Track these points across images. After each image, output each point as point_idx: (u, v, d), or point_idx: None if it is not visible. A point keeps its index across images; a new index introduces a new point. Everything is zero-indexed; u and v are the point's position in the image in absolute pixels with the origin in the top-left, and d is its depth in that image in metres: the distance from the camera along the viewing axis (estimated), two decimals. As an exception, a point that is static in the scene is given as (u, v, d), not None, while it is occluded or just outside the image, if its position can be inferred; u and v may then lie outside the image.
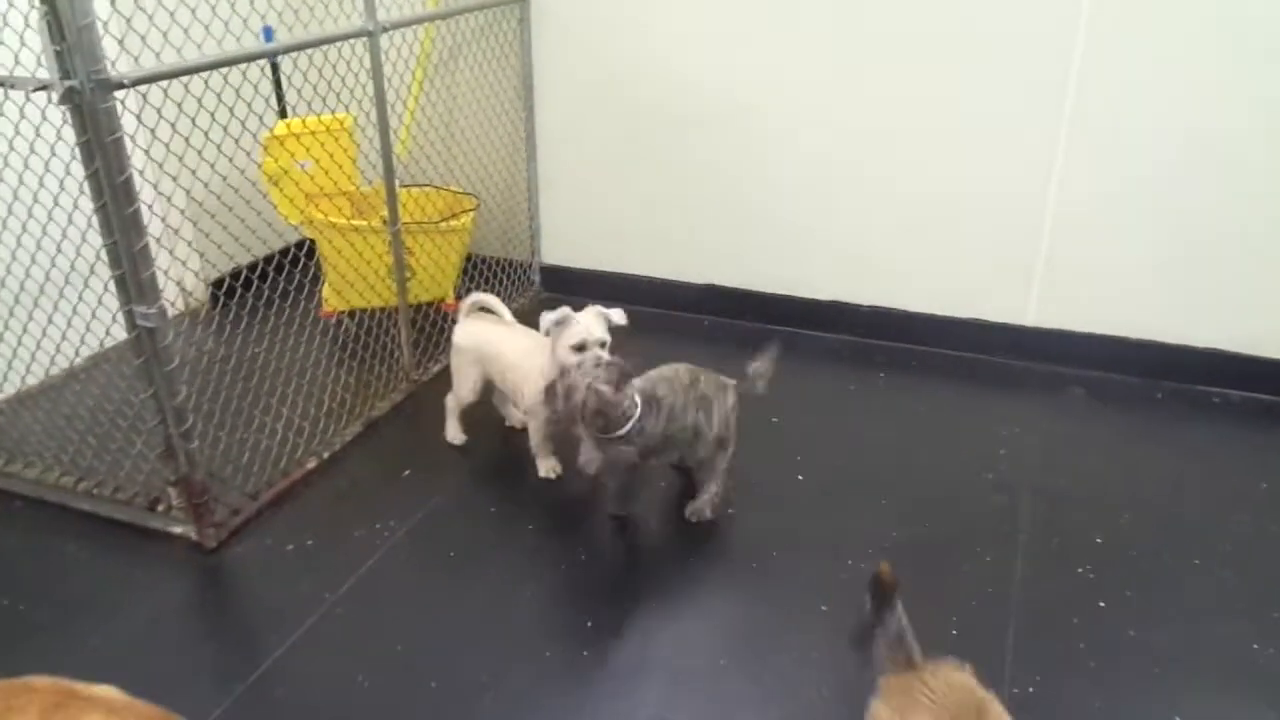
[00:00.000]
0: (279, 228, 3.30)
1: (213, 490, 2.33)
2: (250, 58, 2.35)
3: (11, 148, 2.32)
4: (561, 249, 3.66)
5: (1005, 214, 3.01)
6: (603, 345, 2.32)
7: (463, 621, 2.09)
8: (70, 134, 1.92)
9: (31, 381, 2.79)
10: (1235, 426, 2.82)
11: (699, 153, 3.29)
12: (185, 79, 2.14)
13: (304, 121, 3.09)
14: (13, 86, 1.91)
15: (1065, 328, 3.09)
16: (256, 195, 2.93)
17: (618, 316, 2.38)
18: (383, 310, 3.26)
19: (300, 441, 2.65)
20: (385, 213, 2.87)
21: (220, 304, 3.47)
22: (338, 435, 2.74)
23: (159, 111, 2.27)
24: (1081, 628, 2.04)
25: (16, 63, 2.13)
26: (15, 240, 2.42)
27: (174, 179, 2.43)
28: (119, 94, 1.89)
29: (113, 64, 1.89)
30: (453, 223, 3.31)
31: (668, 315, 3.49)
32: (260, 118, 2.83)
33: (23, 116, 2.26)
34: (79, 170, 1.95)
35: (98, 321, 2.38)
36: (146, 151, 2.30)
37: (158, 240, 2.10)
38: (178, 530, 2.33)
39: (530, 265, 3.69)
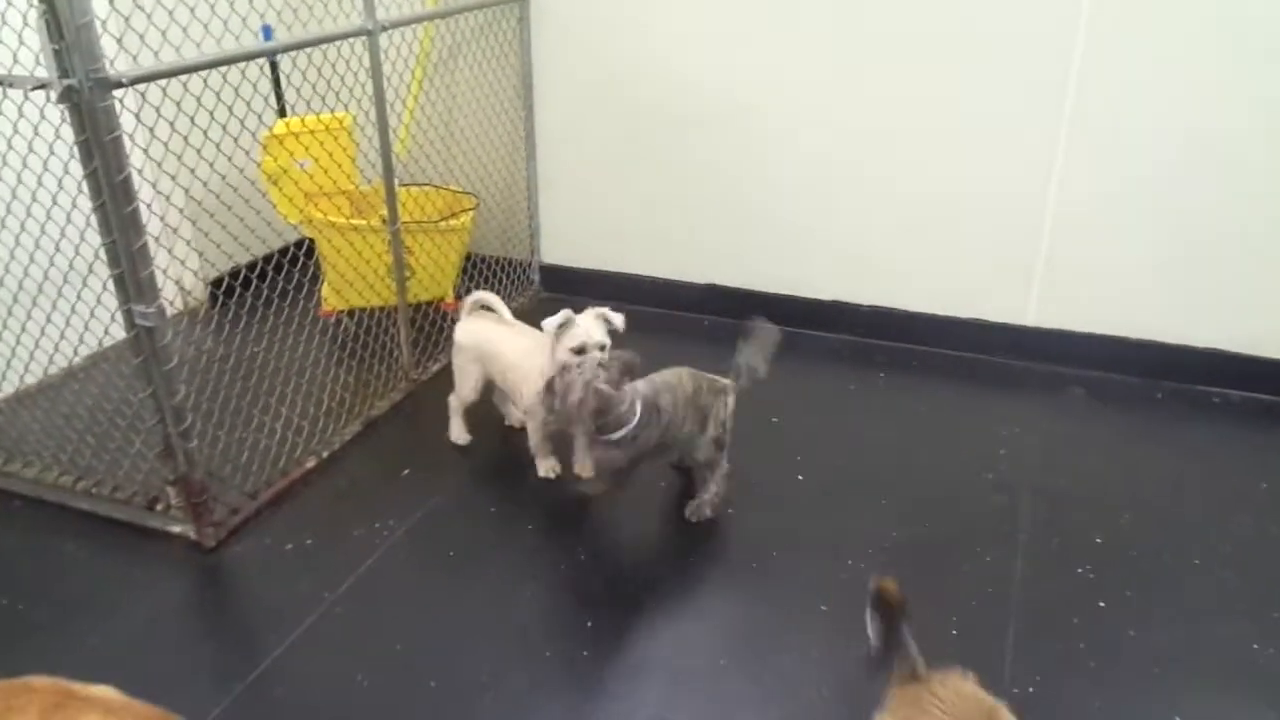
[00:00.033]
0: (278, 227, 3.29)
1: (212, 489, 2.33)
2: (249, 56, 2.35)
3: (10, 146, 2.31)
4: (561, 248, 3.66)
5: (1005, 214, 3.01)
6: (602, 349, 2.32)
7: (462, 621, 2.09)
8: (69, 133, 1.92)
9: (30, 380, 2.78)
10: (1235, 426, 2.82)
11: (699, 153, 3.29)
12: (184, 78, 2.14)
13: (303, 120, 3.09)
14: (11, 85, 1.91)
15: (1065, 328, 3.09)
16: (256, 194, 2.92)
17: (618, 320, 2.37)
18: (382, 309, 3.26)
19: (299, 441, 2.65)
20: (384, 212, 2.87)
21: (219, 303, 3.47)
22: (337, 434, 2.74)
23: (158, 110, 2.27)
24: (1081, 628, 2.04)
25: (15, 61, 2.13)
26: (14, 239, 2.42)
27: (173, 178, 2.43)
28: (118, 93, 1.89)
29: (111, 63, 1.89)
30: (452, 222, 3.30)
31: (668, 315, 3.49)
32: (259, 117, 2.83)
33: (21, 115, 2.25)
34: (77, 169, 1.95)
35: (96, 321, 2.38)
36: (145, 150, 2.30)
37: (156, 239, 2.10)
38: (176, 529, 2.32)
39: (530, 265, 3.69)
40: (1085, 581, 2.18)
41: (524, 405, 2.51)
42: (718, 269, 3.44)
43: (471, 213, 3.36)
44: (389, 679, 1.93)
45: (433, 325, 3.21)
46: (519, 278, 3.64)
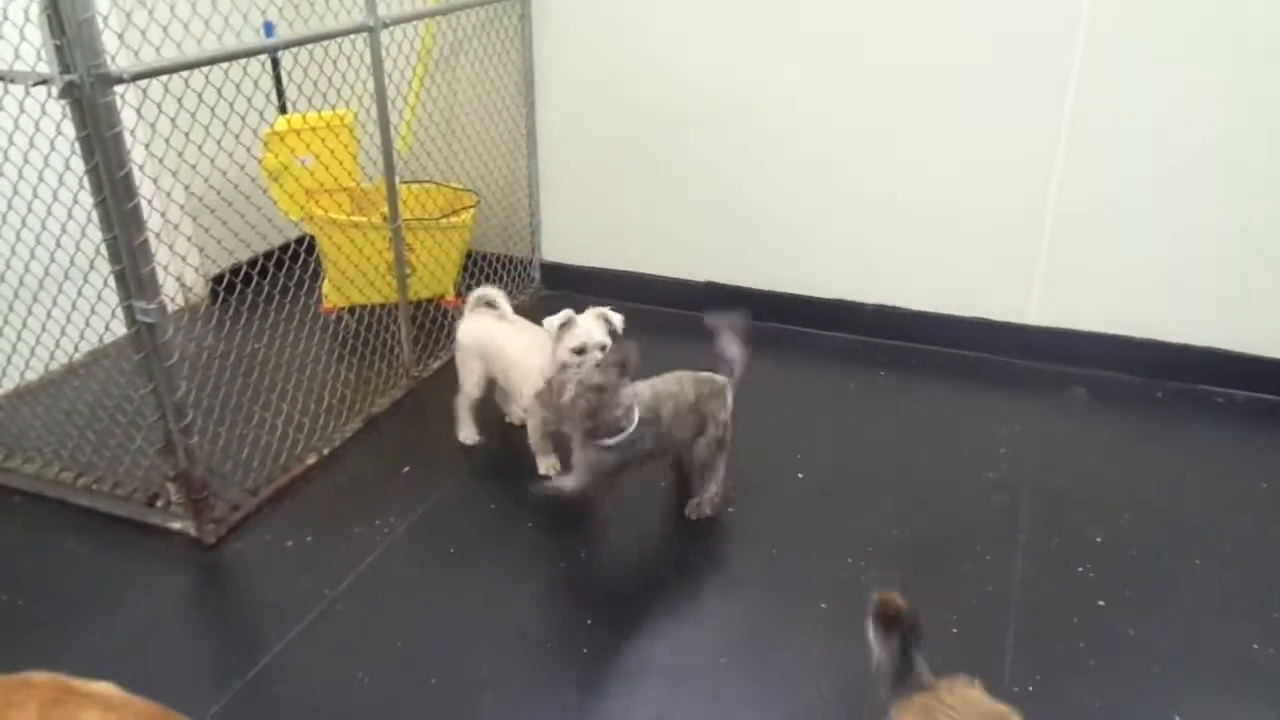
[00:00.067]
0: (279, 223, 3.29)
1: (212, 486, 2.33)
2: (251, 53, 2.35)
3: (11, 142, 2.31)
4: (562, 246, 3.65)
5: (1006, 213, 3.01)
6: (603, 349, 2.32)
7: (463, 618, 2.09)
8: (70, 129, 1.91)
9: (31, 377, 2.78)
10: (1237, 426, 2.82)
11: (699, 152, 3.29)
12: (185, 74, 2.14)
13: (304, 117, 3.08)
14: (12, 81, 1.91)
15: (1066, 327, 3.09)
16: (257, 191, 2.92)
17: (617, 320, 2.37)
18: (383, 307, 3.26)
19: (300, 437, 2.65)
20: (385, 209, 2.86)
21: (220, 300, 3.47)
22: (337, 431, 2.74)
23: (159, 106, 2.27)
24: (1081, 627, 2.04)
25: (16, 57, 2.12)
26: (15, 235, 2.41)
27: (174, 174, 2.43)
28: (119, 89, 1.89)
29: (112, 58, 1.88)
30: (453, 219, 3.30)
31: (668, 313, 3.49)
32: (260, 113, 2.82)
33: (22, 111, 2.25)
34: (79, 165, 1.95)
35: (97, 317, 2.37)
36: (146, 146, 2.31)
37: (157, 235, 2.10)
38: (177, 526, 2.32)
39: (530, 262, 3.69)
40: (1085, 581, 2.18)
41: (524, 404, 2.51)
42: (718, 268, 3.44)
43: (472, 210, 3.36)
44: (389, 676, 1.93)
45: (433, 322, 3.21)
46: (519, 275, 3.64)
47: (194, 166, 2.46)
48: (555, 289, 3.68)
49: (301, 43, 2.49)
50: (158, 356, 2.11)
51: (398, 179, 2.82)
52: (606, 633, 2.05)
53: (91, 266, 2.30)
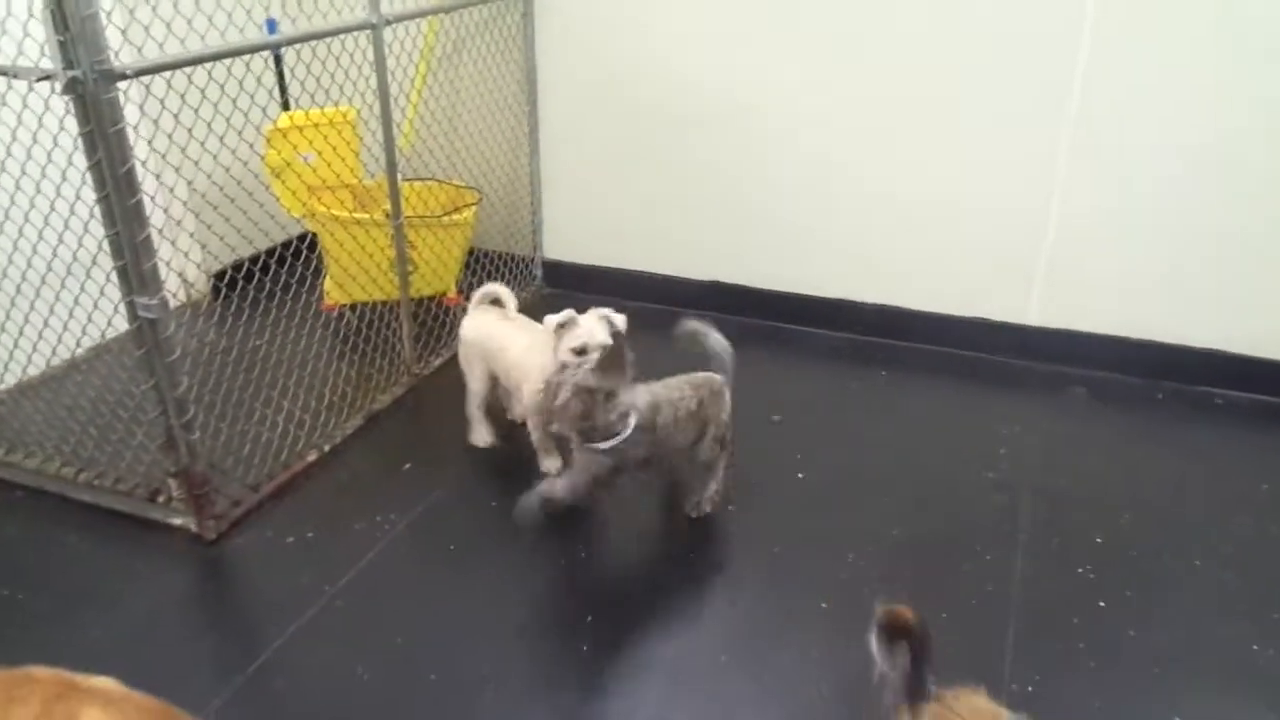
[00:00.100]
0: (281, 220, 3.28)
1: (213, 482, 2.33)
2: (253, 49, 2.35)
3: (14, 138, 2.31)
4: (563, 244, 3.66)
5: (1007, 214, 3.01)
6: (603, 351, 2.30)
7: (463, 615, 2.10)
8: (73, 124, 1.91)
9: (33, 372, 2.79)
10: (1237, 427, 2.82)
11: (699, 152, 3.29)
12: (188, 70, 2.14)
13: (307, 114, 3.09)
14: (16, 76, 1.91)
15: (1067, 327, 3.09)
16: (259, 187, 2.92)
17: (619, 321, 2.36)
18: (384, 304, 3.26)
19: (301, 434, 2.65)
20: (387, 206, 2.87)
21: (222, 296, 3.47)
22: (338, 428, 2.74)
23: (162, 102, 2.27)
24: (1081, 627, 2.04)
25: (20, 52, 2.13)
26: (18, 230, 2.42)
27: (176, 170, 2.43)
28: (122, 84, 1.89)
29: (116, 54, 1.89)
30: (455, 217, 3.30)
31: (669, 311, 3.48)
32: (263, 110, 2.83)
33: (25, 106, 2.25)
34: (81, 161, 1.95)
35: (99, 312, 2.38)
36: (149, 142, 2.31)
37: (160, 231, 2.11)
38: (178, 522, 2.33)
39: (532, 260, 3.69)
40: (1085, 581, 2.18)
41: (525, 403, 2.51)
42: (718, 267, 3.44)
43: (474, 208, 3.36)
44: (389, 672, 1.93)
45: (435, 320, 3.21)
46: (521, 273, 3.64)
47: (196, 163, 2.47)
48: (557, 287, 3.68)
49: (304, 39, 2.49)
50: (160, 352, 2.12)
51: (400, 176, 2.82)
52: (606, 631, 2.05)
53: (94, 262, 2.30)
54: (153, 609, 2.11)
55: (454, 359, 2.74)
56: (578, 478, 2.16)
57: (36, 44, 1.92)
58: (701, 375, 2.30)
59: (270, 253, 2.91)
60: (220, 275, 3.45)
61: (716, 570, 2.25)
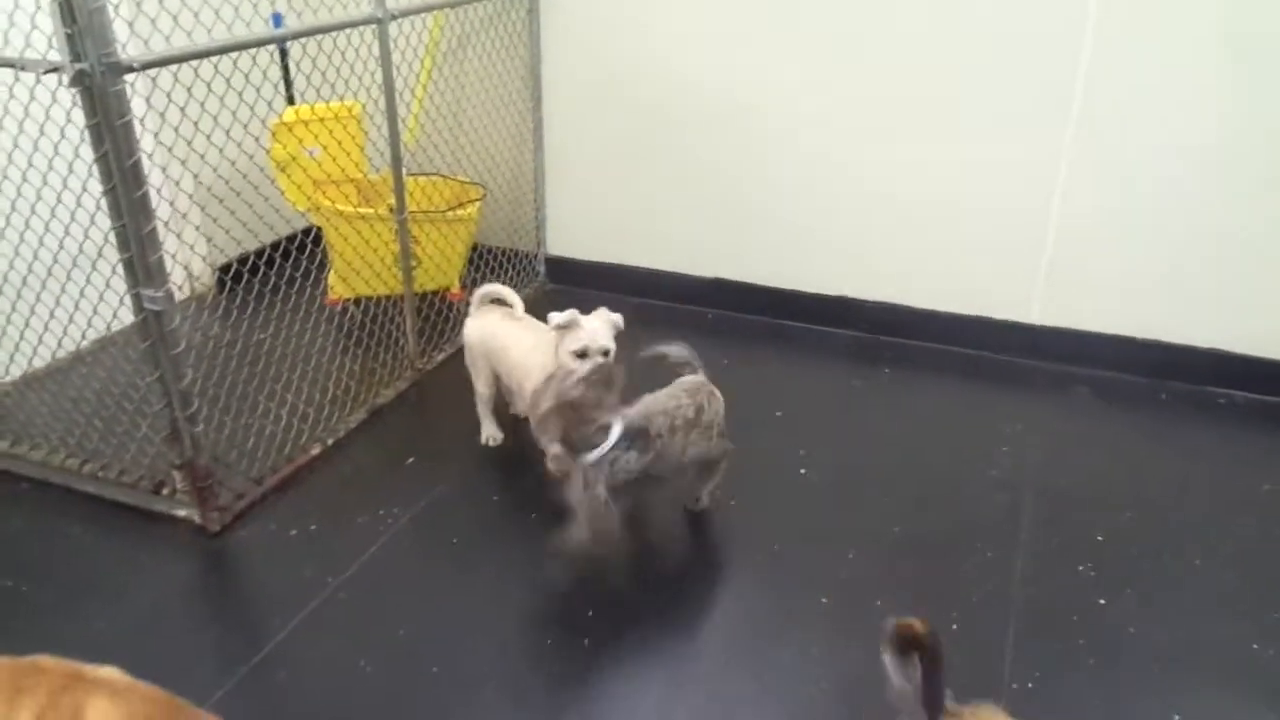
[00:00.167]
0: (286, 214, 3.29)
1: (217, 474, 2.34)
2: (259, 43, 2.35)
3: (22, 130, 2.32)
4: (566, 240, 3.66)
5: (1010, 213, 3.01)
6: (605, 354, 2.29)
7: (465, 609, 2.10)
8: (80, 117, 1.92)
9: (39, 363, 2.80)
10: (1240, 428, 2.82)
11: (700, 152, 3.29)
12: (195, 63, 2.14)
13: (312, 108, 3.09)
14: (23, 69, 1.92)
15: (1070, 326, 3.09)
16: (264, 181, 2.93)
17: (618, 321, 2.36)
18: (388, 298, 3.26)
19: (305, 427, 2.66)
20: (392, 201, 2.87)
21: (227, 289, 3.48)
22: (342, 422, 2.75)
23: (168, 95, 2.27)
24: (1082, 626, 2.05)
25: (27, 45, 2.13)
26: (24, 222, 2.42)
27: (182, 163, 2.44)
28: (129, 77, 1.89)
29: (123, 47, 1.89)
30: (459, 212, 3.31)
31: (672, 308, 3.50)
32: (269, 104, 2.83)
33: (33, 99, 2.26)
34: (88, 153, 1.96)
35: (105, 304, 2.39)
36: (155, 135, 2.31)
37: (166, 224, 2.12)
38: (182, 514, 2.34)
39: (535, 256, 3.69)
40: (1086, 580, 2.18)
41: (527, 402, 2.50)
42: (720, 265, 3.45)
43: (478, 203, 3.37)
44: (391, 665, 1.94)
45: (438, 315, 3.22)
46: (524, 269, 3.64)
47: (202, 156, 2.47)
48: (560, 283, 3.68)
49: (310, 33, 2.50)
50: (164, 345, 2.12)
51: (405, 171, 2.83)
52: (607, 624, 2.06)
53: (100, 254, 2.31)
54: (157, 600, 2.12)
55: (457, 354, 2.74)
56: (585, 515, 2.04)
57: (44, 36, 1.93)
58: (690, 380, 2.25)
59: (275, 246, 2.91)
60: (225, 269, 3.45)
61: (717, 567, 2.26)
